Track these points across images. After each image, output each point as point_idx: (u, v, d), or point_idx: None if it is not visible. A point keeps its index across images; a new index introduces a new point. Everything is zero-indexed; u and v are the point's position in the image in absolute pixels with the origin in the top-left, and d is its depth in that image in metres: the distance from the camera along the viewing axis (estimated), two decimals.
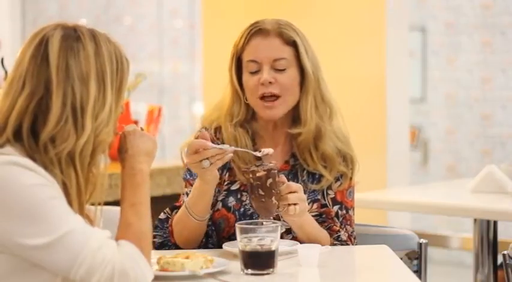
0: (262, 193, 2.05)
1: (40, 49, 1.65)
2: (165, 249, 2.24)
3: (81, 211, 1.67)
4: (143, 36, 7.72)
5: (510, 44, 6.45)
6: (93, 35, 1.70)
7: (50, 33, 1.67)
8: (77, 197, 1.66)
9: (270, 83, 2.20)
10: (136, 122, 3.97)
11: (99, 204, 1.75)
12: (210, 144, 2.03)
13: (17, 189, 1.56)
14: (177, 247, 2.23)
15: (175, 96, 7.65)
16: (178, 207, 2.23)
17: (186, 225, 2.18)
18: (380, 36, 4.86)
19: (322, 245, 2.16)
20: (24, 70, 1.65)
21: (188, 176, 2.27)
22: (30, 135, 1.63)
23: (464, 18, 6.65)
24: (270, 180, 2.05)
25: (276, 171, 2.06)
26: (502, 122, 6.52)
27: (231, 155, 2.06)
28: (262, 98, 2.21)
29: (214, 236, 2.26)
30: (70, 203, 1.64)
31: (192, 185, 2.18)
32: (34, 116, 1.63)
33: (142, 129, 1.84)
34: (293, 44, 2.22)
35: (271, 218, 2.07)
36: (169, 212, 2.27)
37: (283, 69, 2.21)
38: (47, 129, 1.62)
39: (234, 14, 5.27)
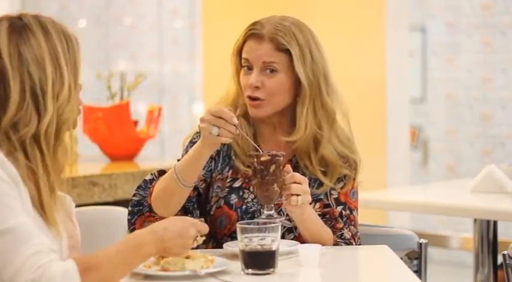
0: (265, 179, 2.05)
1: None
2: (139, 209, 2.23)
3: (52, 193, 1.67)
4: (143, 36, 7.72)
5: (510, 44, 6.45)
6: (39, 20, 1.73)
7: None
8: (46, 178, 1.67)
9: (256, 87, 2.21)
10: (136, 122, 3.98)
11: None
12: (234, 120, 2.04)
13: None
14: (151, 210, 2.21)
15: (175, 96, 7.65)
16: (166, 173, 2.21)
17: (167, 188, 2.15)
18: (380, 36, 4.86)
19: (325, 241, 2.18)
20: None
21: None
22: None
23: (464, 18, 6.65)
24: (273, 167, 2.05)
25: (281, 158, 2.06)
26: (502, 122, 6.51)
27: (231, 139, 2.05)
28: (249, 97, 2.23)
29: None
30: (38, 186, 1.65)
31: None
32: None
33: (197, 239, 1.81)
34: (287, 51, 2.21)
35: (272, 205, 2.07)
36: (156, 174, 2.25)
37: (273, 73, 2.21)
38: (7, 117, 1.64)
39: (234, 14, 5.27)
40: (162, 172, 2.24)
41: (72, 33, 1.77)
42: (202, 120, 2.06)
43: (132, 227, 2.24)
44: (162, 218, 2.19)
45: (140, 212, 2.23)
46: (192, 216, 2.23)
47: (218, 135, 2.03)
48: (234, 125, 2.04)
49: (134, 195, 2.25)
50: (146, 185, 2.25)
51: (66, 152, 1.73)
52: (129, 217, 2.25)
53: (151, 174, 2.26)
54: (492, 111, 6.55)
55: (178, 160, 2.21)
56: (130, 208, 2.25)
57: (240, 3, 5.30)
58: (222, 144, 2.12)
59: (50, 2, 7.99)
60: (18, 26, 1.71)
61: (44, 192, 1.67)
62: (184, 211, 2.22)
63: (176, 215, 2.20)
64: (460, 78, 6.70)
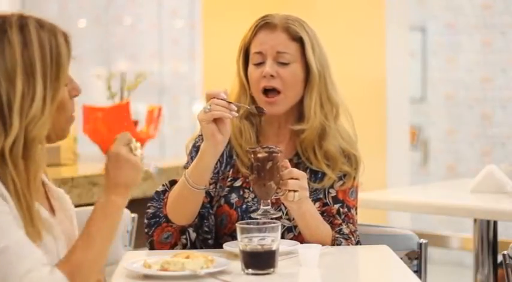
0: (262, 175, 2.04)
1: None
2: (156, 221, 2.23)
3: (28, 205, 1.62)
4: (143, 36, 7.72)
5: (510, 44, 6.45)
6: (22, 25, 1.64)
7: None
8: (15, 191, 1.61)
9: (272, 76, 2.21)
10: (136, 122, 3.98)
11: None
12: (222, 95, 2.04)
13: None
14: (168, 220, 2.21)
15: (175, 96, 7.65)
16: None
17: (181, 195, 2.15)
18: (380, 36, 4.86)
19: (324, 237, 2.18)
20: None
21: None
22: None
23: (464, 18, 6.65)
24: (270, 163, 2.04)
25: (278, 154, 2.06)
26: (502, 122, 6.51)
27: (232, 114, 2.03)
28: (265, 92, 2.23)
29: (213, 233, 2.26)
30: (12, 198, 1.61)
31: None
32: None
33: (132, 148, 1.72)
34: (299, 40, 2.23)
35: (268, 201, 2.07)
36: (168, 185, 2.27)
37: (287, 63, 2.22)
38: None
39: (234, 14, 5.27)
40: (173, 182, 2.25)
41: (62, 35, 1.67)
42: (198, 116, 2.06)
43: (150, 239, 2.25)
44: (180, 226, 2.20)
45: (157, 223, 2.24)
46: (208, 222, 2.23)
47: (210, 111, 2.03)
48: (224, 99, 2.03)
49: (148, 207, 2.26)
50: (159, 197, 2.26)
51: (37, 169, 1.65)
52: (146, 230, 2.26)
53: (163, 185, 2.28)
54: (492, 111, 6.55)
55: (185, 167, 2.21)
56: (146, 221, 2.25)
57: (240, 3, 5.30)
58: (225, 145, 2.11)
59: (50, 2, 7.99)
60: None
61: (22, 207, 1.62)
62: (201, 217, 2.23)
63: (193, 222, 2.21)
64: (460, 78, 6.70)
